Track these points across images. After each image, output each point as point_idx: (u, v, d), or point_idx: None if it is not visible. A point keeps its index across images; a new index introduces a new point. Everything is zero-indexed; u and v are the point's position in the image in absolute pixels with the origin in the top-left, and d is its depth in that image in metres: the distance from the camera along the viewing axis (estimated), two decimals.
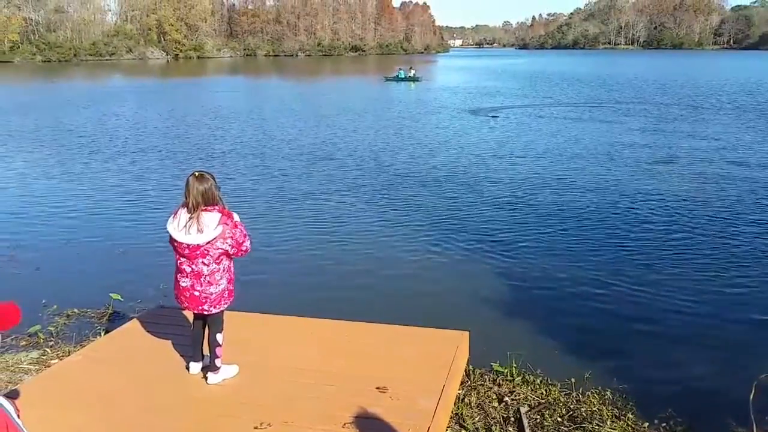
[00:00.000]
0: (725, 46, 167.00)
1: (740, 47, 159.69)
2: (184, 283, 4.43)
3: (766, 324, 6.64)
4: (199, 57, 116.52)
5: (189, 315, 5.19)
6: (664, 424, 4.76)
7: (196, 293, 4.41)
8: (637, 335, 6.47)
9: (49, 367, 5.28)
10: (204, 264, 4.34)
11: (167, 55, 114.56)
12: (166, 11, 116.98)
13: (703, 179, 13.48)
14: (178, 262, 4.42)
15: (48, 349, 5.99)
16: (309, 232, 10.10)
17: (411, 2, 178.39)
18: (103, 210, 11.70)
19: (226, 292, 4.51)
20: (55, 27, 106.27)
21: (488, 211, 11.09)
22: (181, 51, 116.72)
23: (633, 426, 4.71)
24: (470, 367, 5.43)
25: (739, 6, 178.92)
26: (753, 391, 4.50)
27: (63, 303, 7.14)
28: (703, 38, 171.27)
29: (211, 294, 4.43)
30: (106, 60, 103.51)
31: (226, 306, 4.57)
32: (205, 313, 4.51)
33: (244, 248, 4.43)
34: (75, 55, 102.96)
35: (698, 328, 6.58)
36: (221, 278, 4.44)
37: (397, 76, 49.66)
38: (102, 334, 6.17)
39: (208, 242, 4.26)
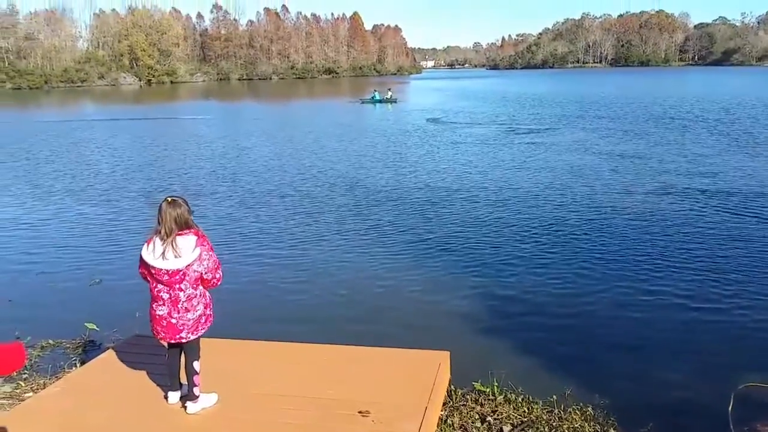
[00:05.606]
0: (690, 62, 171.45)
1: (704, 63, 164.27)
2: (161, 311, 4.38)
3: (740, 336, 6.76)
4: (172, 82, 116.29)
5: (166, 343, 5.11)
6: None
7: (173, 320, 4.37)
8: (617, 350, 6.53)
9: (23, 401, 5.15)
10: (181, 290, 4.32)
11: (140, 80, 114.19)
12: (138, 37, 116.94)
13: (668, 193, 13.74)
14: (156, 290, 4.37)
15: (21, 382, 5.85)
16: (288, 257, 10.06)
17: (383, 25, 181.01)
18: (76, 240, 11.50)
19: (203, 317, 4.48)
20: (26, 54, 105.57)
21: (466, 232, 11.16)
22: (153, 76, 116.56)
23: None
24: (452, 387, 5.43)
25: (702, 24, 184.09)
26: (731, 403, 4.58)
27: (37, 334, 6.98)
28: (669, 55, 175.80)
29: (189, 320, 4.39)
30: (78, 86, 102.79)
31: (203, 332, 4.53)
32: (183, 341, 4.46)
33: (218, 275, 4.45)
34: (46, 81, 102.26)
35: (676, 342, 6.66)
36: (198, 303, 4.42)
37: (373, 98, 50.04)
38: (78, 364, 6.05)
39: (187, 265, 4.24)
